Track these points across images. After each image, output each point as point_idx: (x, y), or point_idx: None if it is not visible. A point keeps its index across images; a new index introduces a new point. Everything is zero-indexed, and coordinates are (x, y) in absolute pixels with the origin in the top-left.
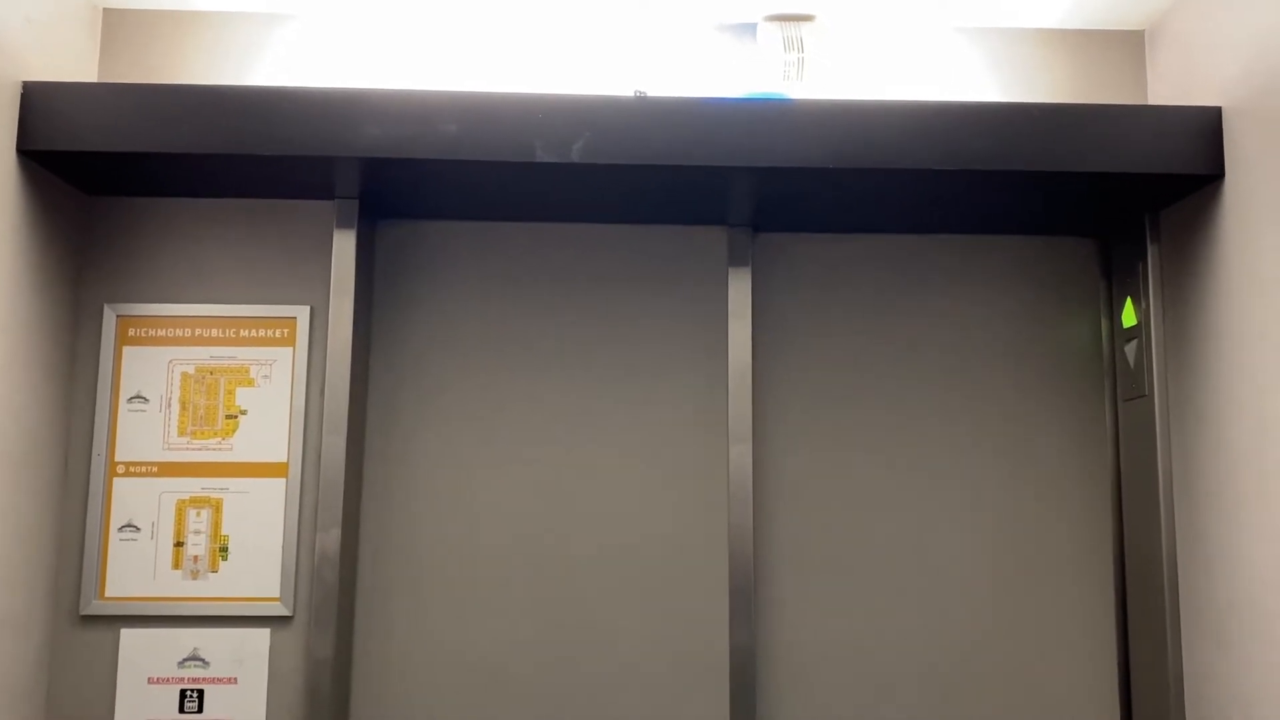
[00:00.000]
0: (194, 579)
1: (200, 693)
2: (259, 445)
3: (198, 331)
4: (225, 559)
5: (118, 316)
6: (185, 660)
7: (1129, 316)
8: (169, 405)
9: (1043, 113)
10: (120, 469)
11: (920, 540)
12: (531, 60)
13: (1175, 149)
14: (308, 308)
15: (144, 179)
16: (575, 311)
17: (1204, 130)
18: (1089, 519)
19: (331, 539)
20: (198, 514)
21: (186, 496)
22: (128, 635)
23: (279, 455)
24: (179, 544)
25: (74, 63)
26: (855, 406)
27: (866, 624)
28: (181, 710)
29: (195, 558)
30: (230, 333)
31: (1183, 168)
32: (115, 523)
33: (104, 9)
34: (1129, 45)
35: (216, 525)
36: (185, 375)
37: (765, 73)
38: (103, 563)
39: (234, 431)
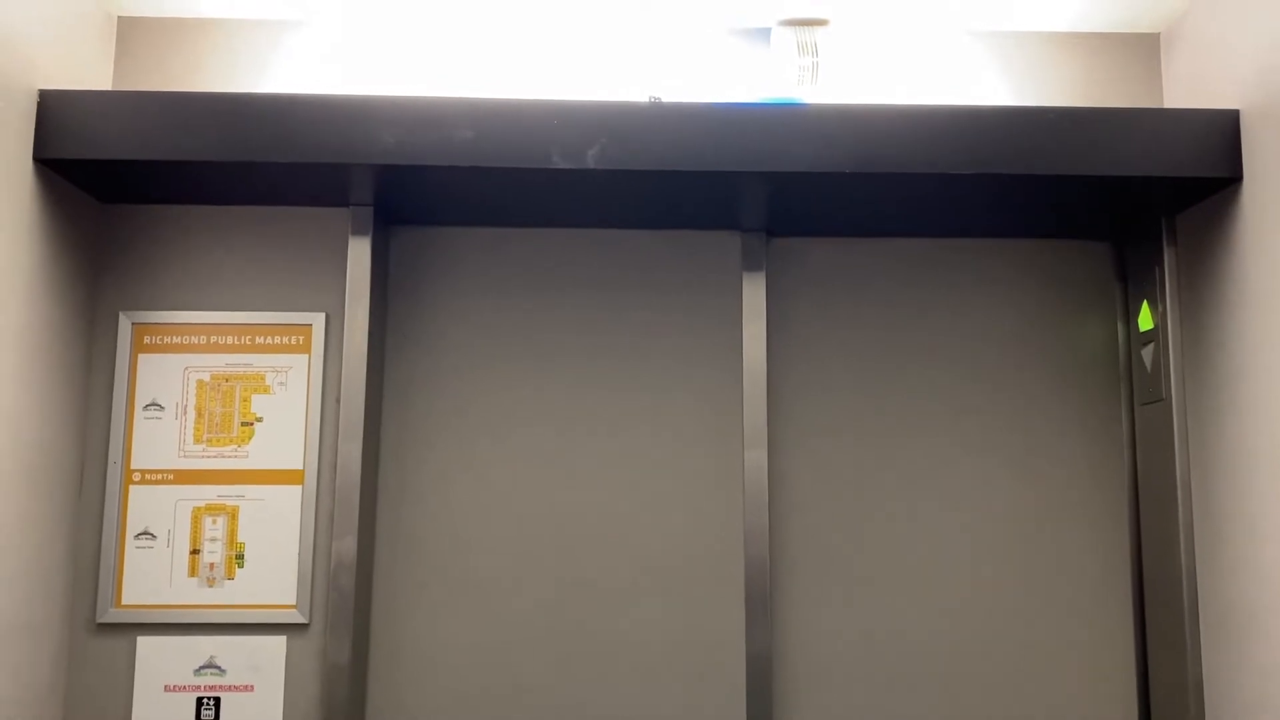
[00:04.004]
0: (210, 586)
1: (217, 700)
2: (275, 452)
3: (213, 339)
4: (241, 566)
5: (133, 324)
6: (202, 668)
7: (1146, 320)
8: (185, 412)
9: (1058, 116)
10: (136, 476)
11: (936, 545)
12: (547, 66)
13: (1192, 152)
14: (323, 315)
15: (159, 186)
16: (590, 317)
17: (1221, 133)
18: (1107, 524)
19: (347, 546)
20: (214, 521)
21: (202, 504)
22: (144, 643)
23: (295, 462)
24: (195, 551)
25: (89, 71)
26: (870, 410)
27: (883, 628)
28: (198, 718)
29: (211, 565)
30: (246, 340)
31: (1199, 171)
32: (131, 530)
33: (119, 17)
34: (1144, 48)
35: (232, 532)
36: (201, 383)
37: (779, 78)
38: (119, 570)
39: (250, 439)
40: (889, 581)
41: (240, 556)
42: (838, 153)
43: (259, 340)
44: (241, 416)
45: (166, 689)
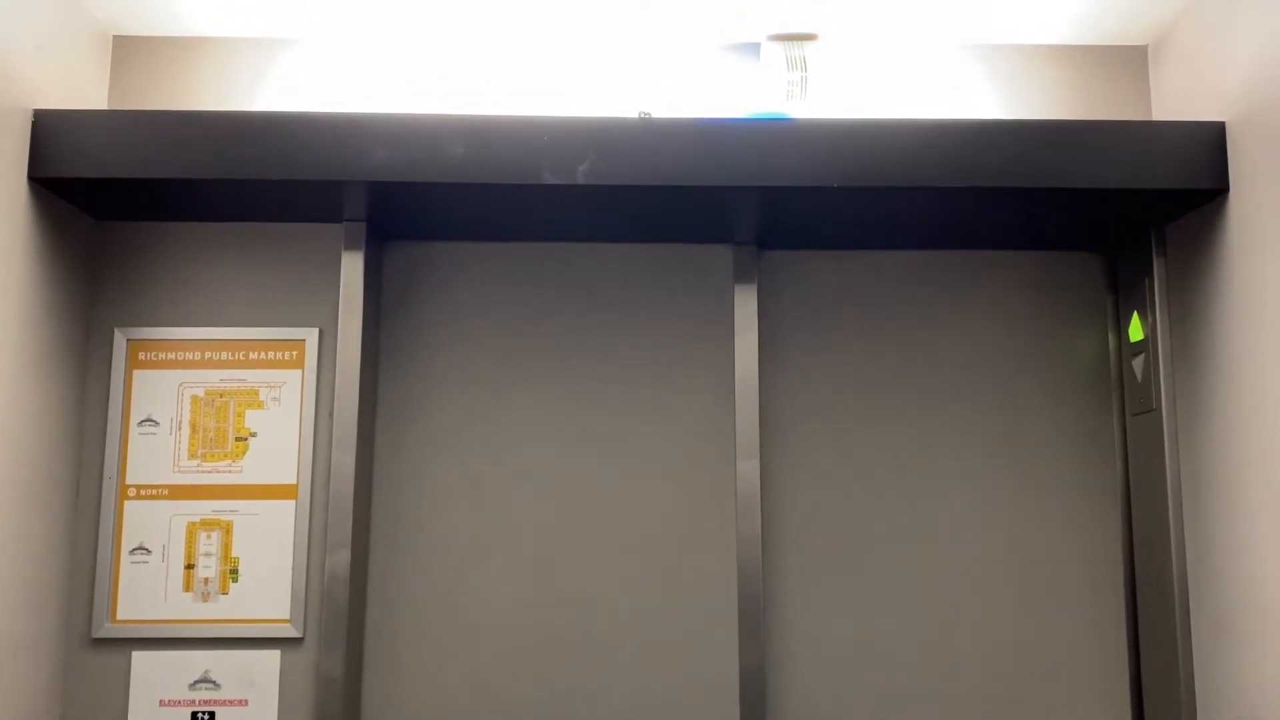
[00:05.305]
0: (205, 601)
1: (211, 715)
2: (269, 467)
3: (207, 354)
4: (236, 581)
5: (128, 340)
6: (196, 682)
7: (1136, 331)
8: (179, 428)
9: (1047, 129)
10: (131, 492)
11: (930, 556)
12: (537, 83)
13: (1180, 164)
14: (316, 330)
15: (153, 204)
16: (583, 330)
17: (1208, 145)
18: (1099, 534)
19: (341, 560)
20: (208, 536)
21: (197, 519)
22: (139, 658)
23: (289, 477)
24: (190, 566)
25: (84, 90)
26: (862, 422)
27: (876, 640)
28: None
29: (206, 580)
30: (240, 355)
31: (1187, 182)
32: (126, 545)
33: (114, 36)
34: (1132, 60)
35: (227, 547)
36: (195, 398)
37: (769, 92)
38: (114, 586)
39: (244, 454)
40: (882, 593)
41: (235, 571)
42: (827, 167)
43: (253, 355)
44: (236, 432)
45: (161, 704)
